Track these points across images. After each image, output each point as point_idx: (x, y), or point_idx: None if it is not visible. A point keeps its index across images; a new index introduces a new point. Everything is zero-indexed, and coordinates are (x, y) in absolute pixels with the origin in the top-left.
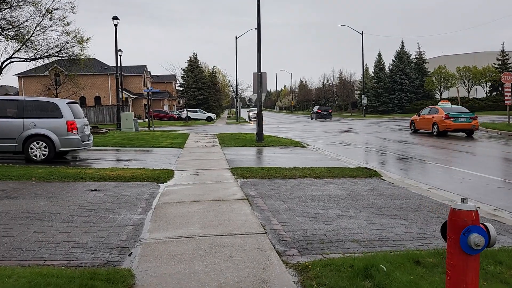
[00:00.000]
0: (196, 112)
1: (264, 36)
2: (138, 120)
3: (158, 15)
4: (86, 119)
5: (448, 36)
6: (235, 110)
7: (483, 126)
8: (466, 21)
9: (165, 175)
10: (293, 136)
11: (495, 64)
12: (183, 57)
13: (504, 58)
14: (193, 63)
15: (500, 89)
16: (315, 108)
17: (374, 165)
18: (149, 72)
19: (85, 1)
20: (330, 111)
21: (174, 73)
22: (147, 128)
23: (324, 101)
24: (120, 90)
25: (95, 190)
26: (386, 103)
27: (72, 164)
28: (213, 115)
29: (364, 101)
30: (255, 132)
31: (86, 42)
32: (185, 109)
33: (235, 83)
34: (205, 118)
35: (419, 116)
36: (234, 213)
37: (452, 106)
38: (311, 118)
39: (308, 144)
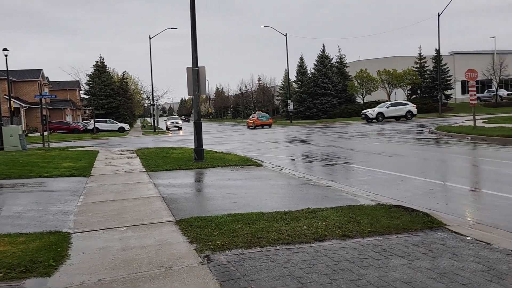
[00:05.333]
0: (106, 122)
1: (178, 46)
2: (33, 134)
3: (52, 25)
4: None
5: (363, 41)
6: (149, 119)
7: (444, 130)
8: (373, 27)
9: (49, 255)
10: (233, 149)
11: (413, 67)
12: (86, 65)
13: (421, 61)
14: (100, 68)
15: (419, 92)
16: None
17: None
18: (47, 77)
19: None
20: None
21: (77, 79)
22: (42, 145)
23: (243, 107)
24: (6, 97)
25: None
26: (310, 108)
27: None
28: (126, 126)
29: (291, 106)
30: (187, 147)
31: None
32: (92, 120)
33: (148, 89)
34: (116, 129)
35: (249, 119)
36: None
37: (261, 113)
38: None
39: (262, 161)
